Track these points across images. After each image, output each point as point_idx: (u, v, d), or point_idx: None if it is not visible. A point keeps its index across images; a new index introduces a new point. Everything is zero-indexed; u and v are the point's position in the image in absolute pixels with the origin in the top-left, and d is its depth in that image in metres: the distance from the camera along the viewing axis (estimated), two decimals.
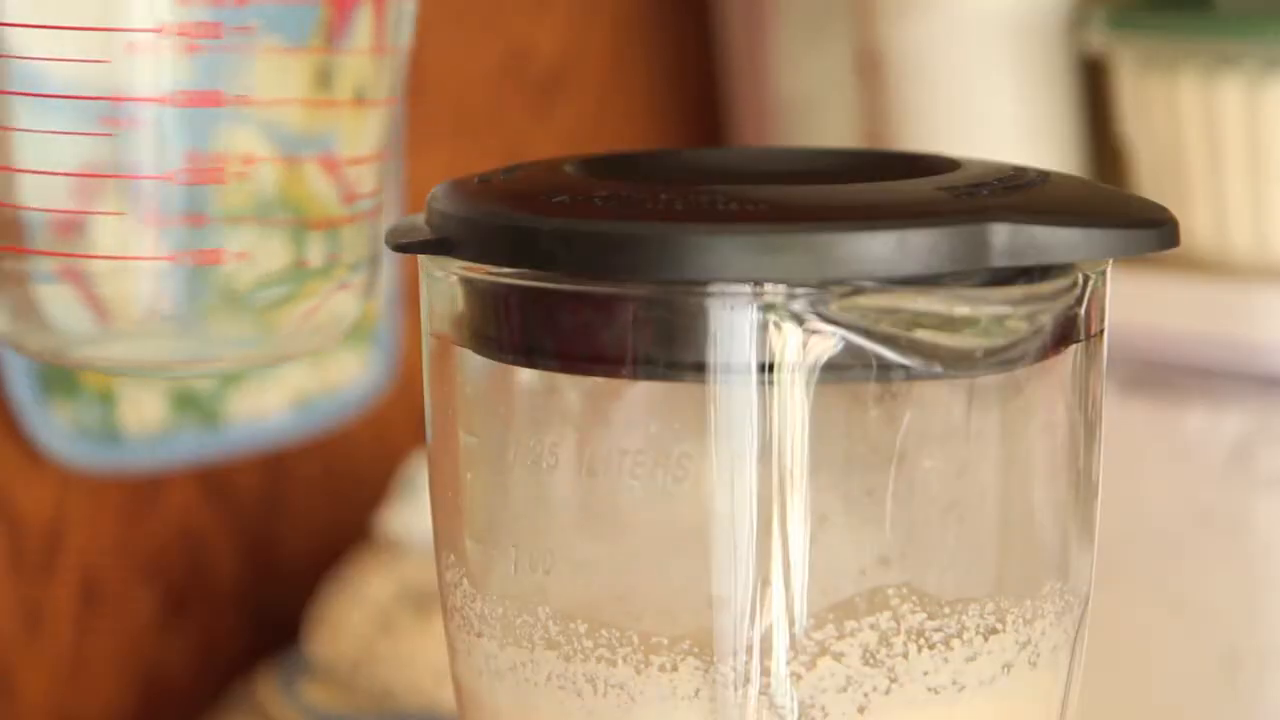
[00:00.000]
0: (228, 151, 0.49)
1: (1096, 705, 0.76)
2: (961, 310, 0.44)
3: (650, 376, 0.46)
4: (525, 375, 0.48)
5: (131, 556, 0.87)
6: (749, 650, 0.46)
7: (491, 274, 0.47)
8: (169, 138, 0.49)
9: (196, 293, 0.49)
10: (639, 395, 0.48)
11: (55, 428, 0.82)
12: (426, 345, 0.50)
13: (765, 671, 0.46)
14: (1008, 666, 0.48)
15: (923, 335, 0.44)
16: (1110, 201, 0.47)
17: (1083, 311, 0.46)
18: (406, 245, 0.48)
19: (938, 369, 0.44)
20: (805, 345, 0.44)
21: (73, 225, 0.49)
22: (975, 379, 0.47)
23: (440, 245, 0.47)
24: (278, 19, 0.49)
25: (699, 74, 0.99)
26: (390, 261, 0.90)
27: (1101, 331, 0.48)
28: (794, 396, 0.45)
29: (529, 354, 0.47)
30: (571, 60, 0.56)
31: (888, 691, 0.47)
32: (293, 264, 0.51)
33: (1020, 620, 0.48)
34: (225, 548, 0.90)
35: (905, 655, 0.47)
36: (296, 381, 0.88)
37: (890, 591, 0.47)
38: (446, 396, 0.49)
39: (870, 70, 0.89)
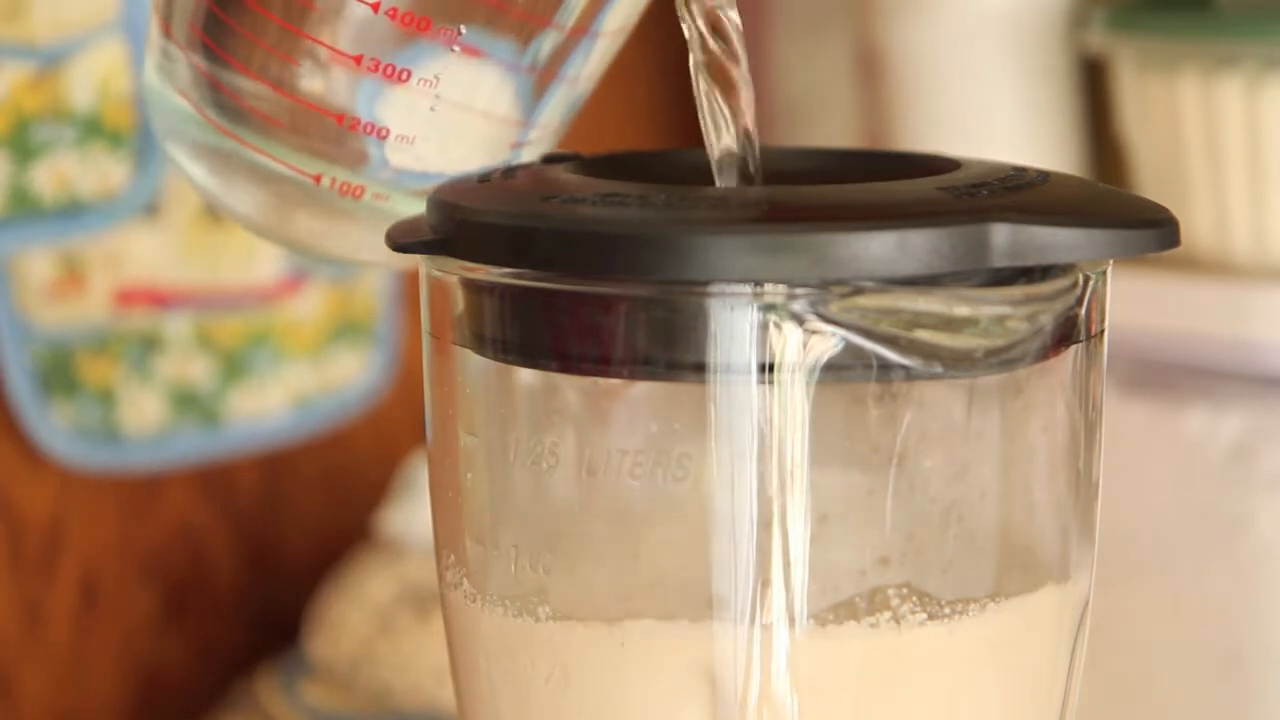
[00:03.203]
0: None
1: (1096, 705, 0.76)
2: (961, 310, 0.44)
3: (650, 376, 0.46)
4: (525, 375, 0.48)
5: (131, 556, 0.87)
6: (749, 649, 0.46)
7: (491, 274, 0.47)
8: None
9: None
10: (639, 395, 0.47)
11: (55, 428, 0.82)
12: (426, 345, 0.50)
13: (765, 671, 0.46)
14: (1007, 667, 0.48)
15: (923, 335, 0.44)
16: (1110, 201, 0.47)
17: (1083, 312, 0.46)
18: (406, 245, 0.48)
19: (938, 369, 0.44)
20: (805, 345, 0.44)
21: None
22: (975, 379, 0.47)
23: (440, 245, 0.47)
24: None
25: None
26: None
27: (1102, 332, 0.48)
28: (794, 396, 0.45)
29: (529, 354, 0.47)
30: None
31: (888, 691, 0.47)
32: None
33: (1020, 620, 0.48)
34: (225, 548, 0.90)
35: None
36: (296, 381, 0.88)
37: (890, 591, 0.47)
38: (446, 396, 0.49)
39: (870, 70, 0.89)
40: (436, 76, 0.51)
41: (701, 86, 0.50)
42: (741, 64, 0.50)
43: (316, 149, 0.52)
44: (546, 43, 0.52)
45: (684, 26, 0.50)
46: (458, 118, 0.53)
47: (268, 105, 0.52)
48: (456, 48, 0.51)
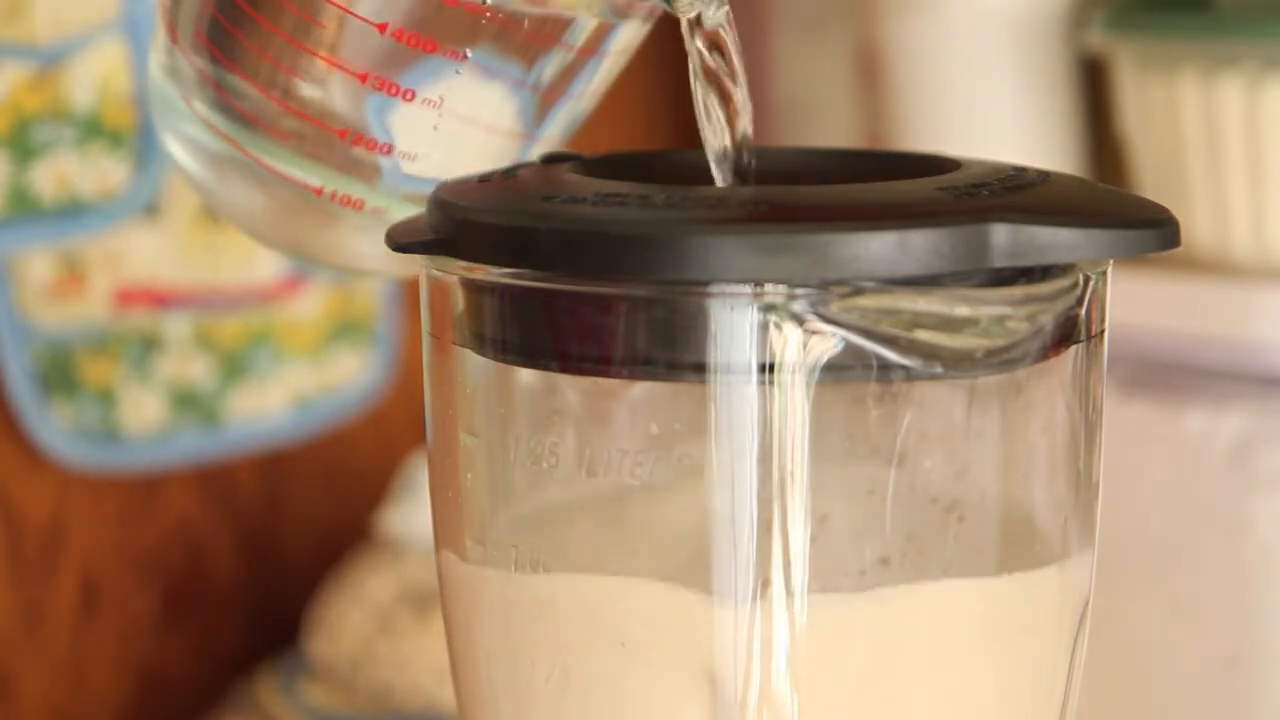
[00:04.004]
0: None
1: (1097, 705, 0.76)
2: (962, 311, 0.44)
3: (650, 376, 0.46)
4: (525, 375, 0.48)
5: (131, 556, 0.87)
6: (749, 650, 0.46)
7: (491, 274, 0.47)
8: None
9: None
10: (639, 395, 0.48)
11: (55, 428, 0.82)
12: (426, 345, 0.50)
13: (765, 671, 0.46)
14: (1007, 667, 0.48)
15: (923, 336, 0.44)
16: (1110, 201, 0.47)
17: (1083, 312, 0.46)
18: (406, 245, 0.48)
19: (938, 369, 0.44)
20: (805, 345, 0.44)
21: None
22: (975, 379, 0.47)
23: (440, 245, 0.47)
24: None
25: None
26: None
27: (1102, 332, 0.48)
28: (794, 397, 0.45)
29: (529, 354, 0.47)
30: None
31: (889, 691, 0.47)
32: None
33: (1020, 621, 0.48)
34: (225, 548, 0.90)
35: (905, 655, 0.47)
36: (296, 381, 0.88)
37: (890, 592, 0.47)
38: (446, 396, 0.49)
39: (870, 70, 0.89)
40: (441, 97, 0.51)
41: (700, 94, 0.50)
42: (739, 79, 0.50)
43: (319, 161, 0.52)
44: (553, 62, 0.52)
45: (686, 41, 0.50)
46: (461, 134, 0.53)
47: (271, 116, 0.52)
48: (462, 67, 0.51)
